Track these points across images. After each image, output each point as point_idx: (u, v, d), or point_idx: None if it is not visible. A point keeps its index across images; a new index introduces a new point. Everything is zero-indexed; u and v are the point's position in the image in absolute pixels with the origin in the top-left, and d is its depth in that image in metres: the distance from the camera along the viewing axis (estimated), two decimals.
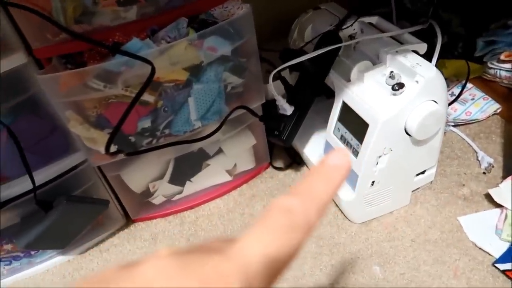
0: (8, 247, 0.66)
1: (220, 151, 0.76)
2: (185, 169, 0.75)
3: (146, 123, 0.62)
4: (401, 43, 0.64)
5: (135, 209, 0.76)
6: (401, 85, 0.57)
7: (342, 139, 0.67)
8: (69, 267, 0.73)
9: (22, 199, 0.61)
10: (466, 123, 0.83)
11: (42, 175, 0.62)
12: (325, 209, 0.20)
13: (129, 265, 0.18)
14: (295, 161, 0.82)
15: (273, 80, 0.66)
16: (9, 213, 0.62)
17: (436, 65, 0.61)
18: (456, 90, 0.84)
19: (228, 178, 0.79)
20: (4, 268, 0.69)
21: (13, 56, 0.53)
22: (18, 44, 0.53)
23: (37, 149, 0.61)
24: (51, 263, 0.72)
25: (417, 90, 0.57)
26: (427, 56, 0.62)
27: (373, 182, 0.65)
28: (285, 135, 0.66)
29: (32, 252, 0.69)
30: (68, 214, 0.62)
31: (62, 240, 0.67)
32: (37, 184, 0.60)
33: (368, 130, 0.60)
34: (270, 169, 0.84)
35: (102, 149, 0.61)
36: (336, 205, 0.73)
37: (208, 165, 0.76)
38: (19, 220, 0.63)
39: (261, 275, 0.17)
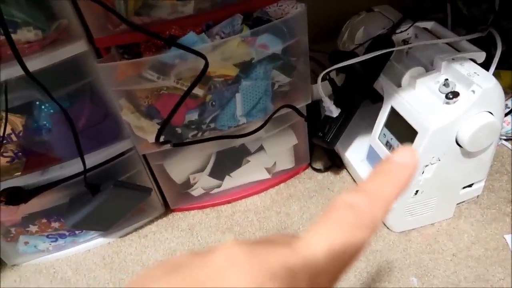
0: (55, 224, 0.70)
1: (261, 148, 0.77)
2: (226, 163, 0.76)
3: (193, 116, 0.63)
4: (457, 51, 0.62)
5: (175, 199, 0.78)
6: (455, 94, 0.56)
7: (388, 145, 0.65)
8: (109, 249, 0.75)
9: (72, 180, 0.64)
10: None
11: (92, 159, 0.64)
12: (390, 208, 0.19)
13: (201, 253, 0.18)
14: (335, 164, 0.81)
15: (321, 80, 0.65)
16: (60, 193, 0.65)
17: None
18: (510, 103, 0.80)
19: (266, 175, 0.79)
20: (50, 244, 0.73)
21: (76, 44, 0.56)
22: (81, 32, 0.56)
23: (89, 134, 0.64)
24: (92, 244, 0.76)
25: (472, 100, 0.55)
26: (482, 66, 0.60)
27: (416, 191, 0.63)
28: (329, 137, 0.66)
29: (77, 232, 0.73)
30: (114, 198, 0.65)
31: (106, 222, 0.70)
32: (87, 167, 0.63)
33: (417, 138, 0.58)
34: (309, 170, 0.83)
35: (149, 138, 0.63)
36: None
37: (248, 161, 0.77)
38: (67, 201, 0.66)
39: (326, 271, 0.17)
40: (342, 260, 0.18)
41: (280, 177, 0.81)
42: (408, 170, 0.20)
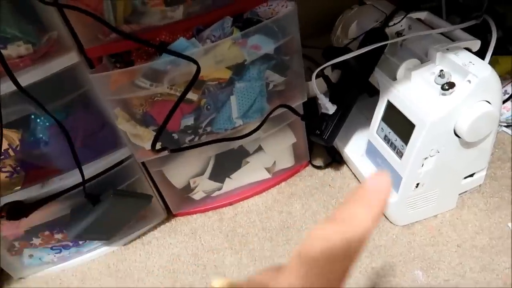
0: (58, 236, 0.70)
1: (260, 148, 0.76)
2: (225, 166, 0.76)
3: (189, 121, 0.63)
4: (452, 40, 0.61)
5: (176, 204, 0.78)
6: (451, 85, 0.55)
7: (386, 139, 0.65)
8: (113, 258, 0.76)
9: (72, 191, 0.64)
10: None
11: (91, 169, 0.64)
12: (369, 234, 0.19)
13: None
14: (335, 160, 0.81)
15: (316, 78, 0.65)
16: (60, 205, 0.65)
17: (489, 62, 0.58)
18: (510, 89, 0.79)
19: (267, 175, 0.79)
20: (54, 256, 0.73)
21: (67, 56, 0.56)
22: (72, 44, 0.56)
23: (87, 144, 0.64)
24: (96, 253, 0.76)
25: (469, 90, 0.54)
26: (479, 53, 0.59)
27: (417, 184, 0.63)
28: (326, 134, 0.66)
29: (81, 242, 0.73)
30: (114, 207, 0.65)
31: (108, 231, 0.70)
32: (86, 177, 0.63)
33: (415, 131, 0.58)
34: (309, 168, 0.83)
35: (147, 146, 0.63)
36: None
37: (248, 162, 0.77)
38: (69, 212, 0.66)
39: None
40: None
41: (280, 176, 0.81)
42: (381, 196, 0.19)
